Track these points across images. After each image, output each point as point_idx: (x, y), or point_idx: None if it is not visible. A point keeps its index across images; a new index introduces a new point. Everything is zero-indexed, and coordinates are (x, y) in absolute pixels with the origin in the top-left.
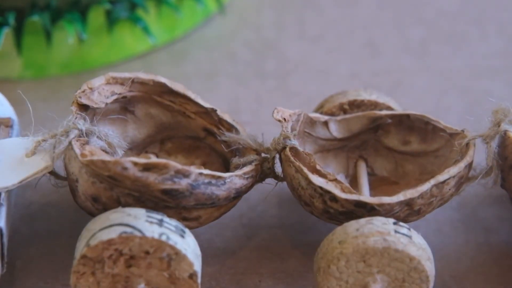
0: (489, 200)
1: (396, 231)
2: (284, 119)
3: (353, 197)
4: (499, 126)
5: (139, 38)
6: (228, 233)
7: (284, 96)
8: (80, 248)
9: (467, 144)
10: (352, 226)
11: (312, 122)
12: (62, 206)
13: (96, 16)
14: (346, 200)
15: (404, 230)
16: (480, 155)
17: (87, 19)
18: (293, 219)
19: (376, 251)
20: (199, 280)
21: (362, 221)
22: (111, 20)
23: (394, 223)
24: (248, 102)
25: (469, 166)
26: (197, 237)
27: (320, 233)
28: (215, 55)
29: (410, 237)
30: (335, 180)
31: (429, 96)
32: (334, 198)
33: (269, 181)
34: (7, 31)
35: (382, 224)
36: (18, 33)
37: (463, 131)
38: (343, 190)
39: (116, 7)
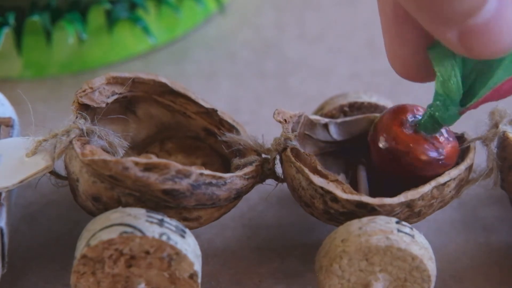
0: (489, 200)
1: (399, 230)
2: (285, 120)
3: (354, 197)
4: (497, 127)
5: (139, 38)
6: (228, 233)
7: (284, 96)
8: (80, 248)
9: (468, 147)
10: (355, 224)
11: (312, 124)
12: (62, 206)
13: (96, 16)
14: (347, 200)
15: (407, 229)
16: (478, 157)
17: (87, 19)
18: (293, 219)
19: (378, 249)
20: (199, 280)
21: (365, 219)
22: (111, 20)
23: (397, 222)
24: (248, 102)
25: (470, 168)
26: (197, 237)
27: (320, 233)
28: (215, 55)
29: (412, 236)
30: (336, 180)
31: (429, 96)
32: (335, 198)
33: (269, 181)
34: (7, 31)
35: (385, 223)
36: (18, 33)
37: (463, 134)
38: (344, 191)
39: (116, 7)
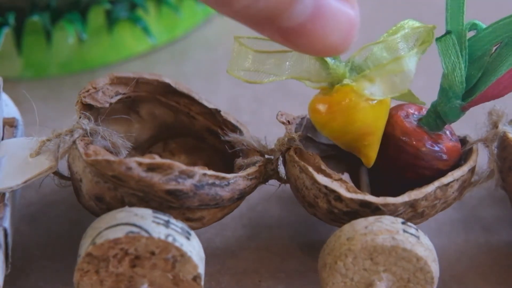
0: (489, 201)
1: (404, 231)
2: (288, 122)
3: (358, 196)
4: (496, 127)
5: (139, 38)
6: (228, 233)
7: (284, 96)
8: (85, 246)
9: (470, 149)
10: (360, 223)
11: (314, 127)
12: (62, 206)
13: (96, 16)
14: (351, 199)
15: (412, 230)
16: (479, 159)
17: (87, 19)
18: (293, 219)
19: (384, 249)
20: (202, 283)
21: (371, 219)
22: (111, 20)
23: (403, 223)
24: (248, 102)
25: (472, 170)
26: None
27: (320, 233)
28: (215, 55)
29: (418, 237)
30: (340, 179)
31: (429, 97)
32: (339, 197)
33: (271, 182)
34: (7, 31)
35: (391, 223)
36: (18, 33)
37: (465, 137)
38: (348, 190)
39: (116, 7)
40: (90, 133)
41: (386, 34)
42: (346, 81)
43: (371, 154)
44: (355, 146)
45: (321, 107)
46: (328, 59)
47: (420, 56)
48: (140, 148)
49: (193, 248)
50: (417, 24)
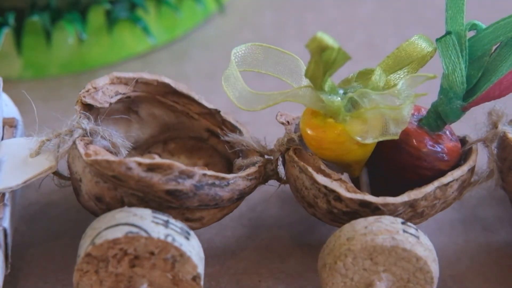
0: (489, 200)
1: (404, 231)
2: (288, 122)
3: (358, 196)
4: (496, 127)
5: (139, 38)
6: (228, 233)
7: None
8: (85, 246)
9: (470, 149)
10: (360, 223)
11: None
12: (62, 206)
13: (96, 16)
14: (351, 199)
15: (412, 230)
16: (479, 159)
17: (87, 19)
18: (293, 219)
19: (384, 249)
20: (202, 283)
21: (371, 219)
22: (111, 20)
23: (403, 223)
24: None
25: (472, 170)
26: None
27: (320, 234)
28: (215, 55)
29: (417, 237)
30: (340, 179)
31: (429, 97)
32: (338, 197)
33: (271, 182)
34: (7, 31)
35: (390, 223)
36: (18, 33)
37: (465, 137)
38: (347, 190)
39: (116, 7)
40: (90, 133)
41: (387, 58)
42: (340, 116)
43: (355, 173)
44: (341, 165)
45: (313, 139)
46: (324, 95)
47: (414, 101)
48: (139, 148)
49: (192, 248)
50: (423, 50)
